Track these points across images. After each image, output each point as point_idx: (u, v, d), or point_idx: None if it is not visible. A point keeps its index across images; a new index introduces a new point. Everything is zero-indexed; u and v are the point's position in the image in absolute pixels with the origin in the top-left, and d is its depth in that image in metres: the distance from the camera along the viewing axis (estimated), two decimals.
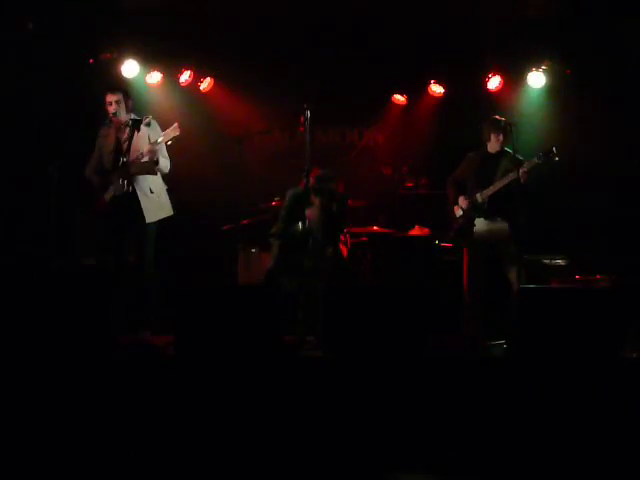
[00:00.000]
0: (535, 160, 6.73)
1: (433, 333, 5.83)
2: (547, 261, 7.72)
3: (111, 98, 6.90)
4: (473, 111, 8.74)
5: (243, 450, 4.89)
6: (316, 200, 7.11)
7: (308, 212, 6.95)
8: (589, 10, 8.07)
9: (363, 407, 5.08)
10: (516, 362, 5.52)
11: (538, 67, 8.92)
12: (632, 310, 5.80)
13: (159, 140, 6.78)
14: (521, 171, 6.69)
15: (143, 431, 5.00)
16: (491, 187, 6.96)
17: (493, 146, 7.11)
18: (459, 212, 7.22)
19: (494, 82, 9.08)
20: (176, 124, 6.83)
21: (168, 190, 7.01)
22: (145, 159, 6.79)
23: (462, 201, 7.18)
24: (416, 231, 8.58)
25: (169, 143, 6.83)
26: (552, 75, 8.93)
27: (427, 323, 5.64)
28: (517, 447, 4.84)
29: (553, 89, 8.95)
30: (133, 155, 6.81)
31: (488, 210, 7.03)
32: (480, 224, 7.09)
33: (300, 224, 6.86)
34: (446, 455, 4.85)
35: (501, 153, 7.08)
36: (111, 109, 6.87)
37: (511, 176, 6.80)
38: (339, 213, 7.26)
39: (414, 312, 5.59)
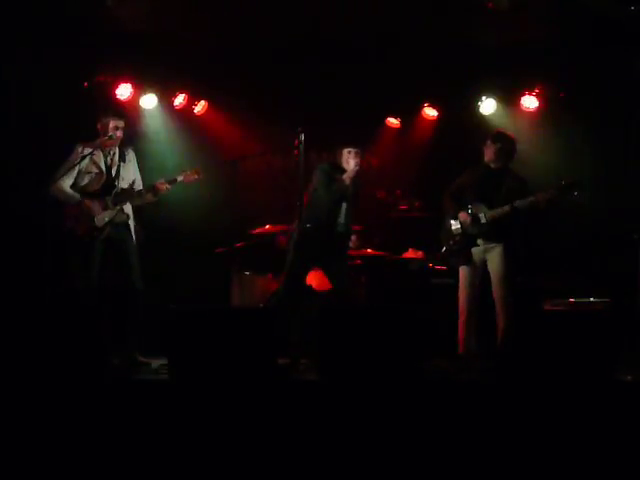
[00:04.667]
0: (554, 192, 6.66)
1: (429, 355, 5.84)
2: (541, 284, 7.70)
3: (118, 123, 6.95)
4: (467, 134, 8.78)
5: (236, 474, 4.87)
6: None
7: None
8: (583, 35, 8.10)
9: (358, 430, 5.06)
10: (510, 383, 5.52)
11: (531, 90, 8.96)
12: (626, 332, 5.81)
13: (178, 179, 7.03)
14: (542, 198, 6.65)
15: (136, 454, 4.97)
16: (499, 210, 6.80)
17: (489, 156, 7.01)
18: (457, 228, 7.09)
19: (487, 105, 9.11)
20: (198, 168, 7.13)
21: None
22: (150, 194, 6.98)
23: (464, 217, 7.02)
24: (410, 254, 8.58)
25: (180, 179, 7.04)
26: (545, 98, 8.96)
27: (424, 344, 5.63)
28: (511, 469, 4.82)
29: (546, 112, 8.99)
30: (123, 182, 6.96)
31: (488, 230, 6.92)
32: (479, 242, 6.99)
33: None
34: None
35: (503, 170, 6.99)
36: (118, 133, 6.94)
37: (531, 201, 6.70)
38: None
39: (411, 333, 5.58)
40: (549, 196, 6.68)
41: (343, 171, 7.05)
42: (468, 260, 7.02)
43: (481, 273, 7.00)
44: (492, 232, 6.90)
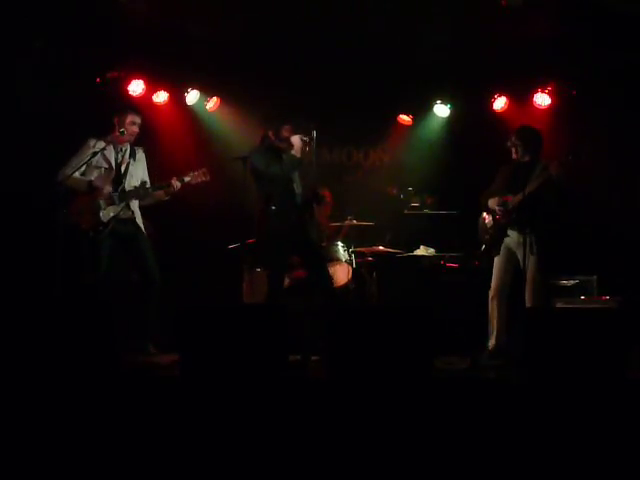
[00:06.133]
0: (563, 157, 6.55)
1: (440, 353, 5.83)
2: (552, 281, 7.67)
3: (135, 119, 6.99)
4: (478, 131, 8.77)
5: (246, 470, 4.87)
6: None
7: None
8: (597, 32, 8.07)
9: (369, 428, 5.05)
10: (521, 381, 5.51)
11: (544, 88, 8.93)
12: (637, 330, 5.78)
13: (186, 180, 7.04)
14: (554, 166, 6.56)
15: (146, 450, 4.97)
16: (519, 194, 6.65)
17: (517, 154, 6.88)
18: (490, 220, 7.01)
19: (500, 103, 9.10)
20: (205, 169, 7.13)
21: None
22: (162, 192, 7.05)
23: (493, 203, 6.95)
24: (421, 251, 8.57)
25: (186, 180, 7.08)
26: (558, 96, 8.94)
27: (433, 343, 5.62)
28: (523, 468, 4.81)
29: (559, 109, 8.96)
30: (132, 180, 7.04)
31: (517, 219, 6.78)
32: (510, 234, 6.88)
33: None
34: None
35: (533, 162, 6.84)
36: (134, 129, 7.02)
37: (543, 175, 6.61)
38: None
39: (420, 332, 5.56)
40: (560, 160, 6.56)
41: (282, 149, 6.87)
42: (498, 250, 6.94)
43: (514, 264, 6.87)
44: (521, 220, 6.74)
